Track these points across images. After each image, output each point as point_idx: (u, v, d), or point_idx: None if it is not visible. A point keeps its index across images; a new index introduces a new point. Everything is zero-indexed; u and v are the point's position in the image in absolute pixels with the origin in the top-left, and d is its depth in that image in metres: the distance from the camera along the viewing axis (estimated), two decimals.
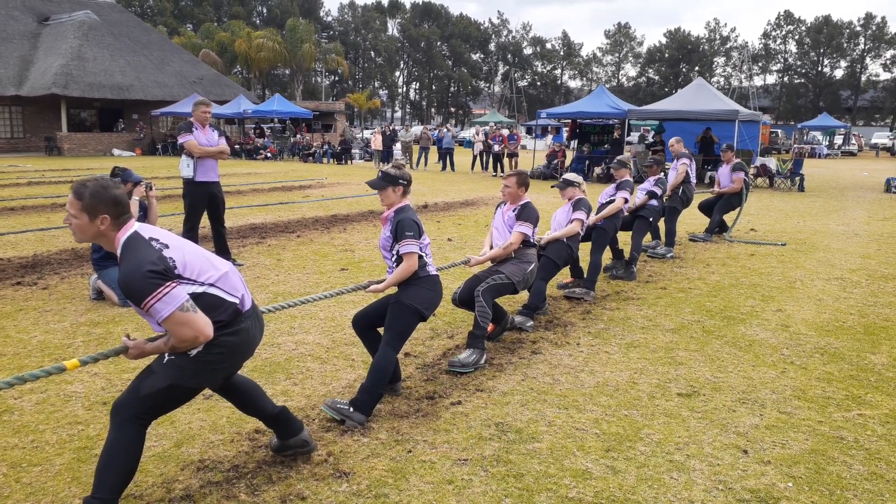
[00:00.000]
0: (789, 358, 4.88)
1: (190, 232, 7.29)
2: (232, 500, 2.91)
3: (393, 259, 3.97)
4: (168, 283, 2.48)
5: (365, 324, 4.07)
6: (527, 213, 5.05)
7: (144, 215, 6.14)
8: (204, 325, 2.56)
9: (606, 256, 7.31)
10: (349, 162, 28.57)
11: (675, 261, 8.46)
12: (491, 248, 5.23)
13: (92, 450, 3.33)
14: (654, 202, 7.92)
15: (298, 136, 32.14)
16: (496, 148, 23.14)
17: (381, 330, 4.01)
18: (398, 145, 27.56)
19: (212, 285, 2.66)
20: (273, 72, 63.95)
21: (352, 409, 3.65)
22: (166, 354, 2.69)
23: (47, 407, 3.81)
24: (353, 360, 4.65)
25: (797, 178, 19.06)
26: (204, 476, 3.10)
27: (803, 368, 4.67)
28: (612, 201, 7.03)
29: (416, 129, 35.28)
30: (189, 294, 2.55)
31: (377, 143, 26.47)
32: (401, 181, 3.97)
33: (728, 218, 10.55)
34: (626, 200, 7.08)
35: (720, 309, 6.17)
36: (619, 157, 7.52)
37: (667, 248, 8.76)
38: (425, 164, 25.94)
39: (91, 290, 6.05)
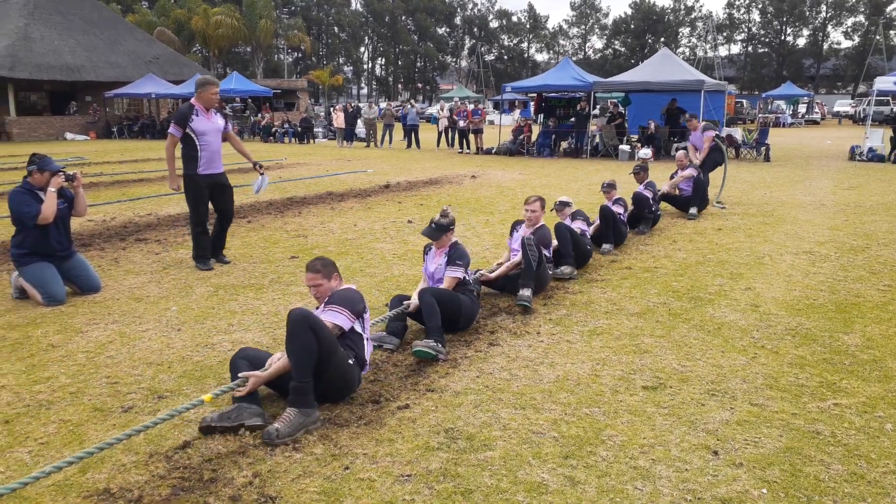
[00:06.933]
0: (760, 341, 4.62)
1: (199, 226, 6.49)
2: None
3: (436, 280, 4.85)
4: (351, 315, 3.65)
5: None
6: (542, 236, 5.69)
7: (69, 206, 5.64)
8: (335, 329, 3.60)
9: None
10: (311, 141, 27.89)
11: (640, 237, 8.20)
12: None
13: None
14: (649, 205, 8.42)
15: (259, 115, 31.27)
16: (461, 123, 22.69)
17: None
18: (360, 122, 26.94)
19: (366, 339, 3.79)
20: (234, 50, 62.25)
21: (435, 343, 4.19)
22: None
23: None
24: None
25: (763, 148, 18.99)
26: None
27: (774, 353, 4.41)
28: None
29: (381, 105, 34.60)
30: (350, 328, 3.67)
31: (339, 120, 25.84)
32: (451, 227, 4.82)
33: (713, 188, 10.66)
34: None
35: (687, 289, 5.91)
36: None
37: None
38: (390, 142, 25.41)
39: (13, 289, 5.55)
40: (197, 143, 6.27)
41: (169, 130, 6.34)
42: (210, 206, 6.61)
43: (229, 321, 5.02)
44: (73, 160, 18.42)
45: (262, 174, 6.94)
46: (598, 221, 7.44)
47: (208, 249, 6.65)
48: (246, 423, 3.28)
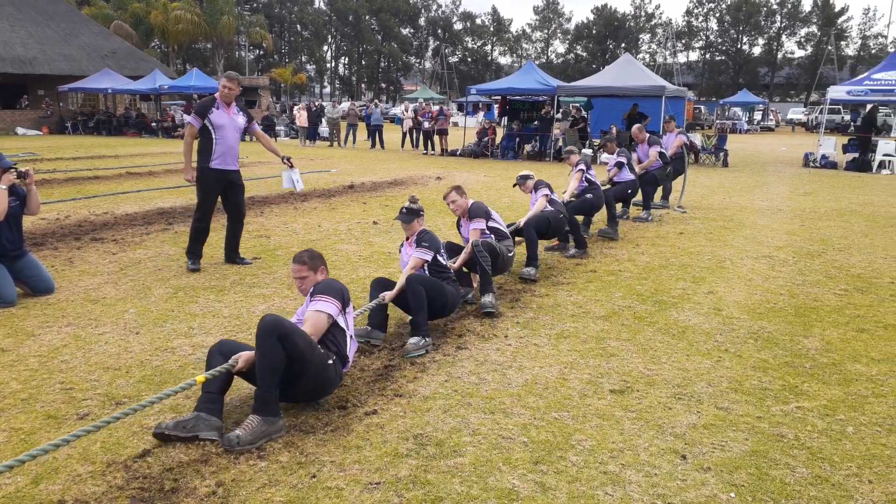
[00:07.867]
0: (723, 345, 4.68)
1: (200, 222, 6.40)
2: None
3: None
4: (338, 303, 3.57)
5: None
6: (475, 210, 5.56)
7: (20, 204, 5.42)
8: (320, 331, 3.48)
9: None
10: (273, 139, 27.49)
11: (604, 241, 8.26)
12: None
13: None
14: (625, 172, 9.06)
15: None
16: (426, 125, 22.65)
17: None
18: (324, 121, 26.67)
19: (350, 336, 3.72)
20: (194, 46, 61.11)
21: (423, 340, 4.38)
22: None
23: None
24: None
25: (721, 154, 19.37)
26: None
27: (738, 356, 4.47)
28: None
29: (344, 105, 34.33)
30: (335, 319, 3.56)
31: (302, 119, 25.55)
32: (422, 213, 4.85)
33: (675, 191, 11.21)
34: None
35: (651, 292, 5.96)
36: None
37: (646, 212, 9.84)
38: (353, 142, 25.22)
39: None
40: (213, 136, 6.24)
41: (188, 119, 6.29)
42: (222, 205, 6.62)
43: (189, 324, 4.88)
44: (24, 156, 17.82)
45: (291, 167, 6.81)
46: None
47: (201, 246, 6.55)
48: (200, 435, 3.18)
